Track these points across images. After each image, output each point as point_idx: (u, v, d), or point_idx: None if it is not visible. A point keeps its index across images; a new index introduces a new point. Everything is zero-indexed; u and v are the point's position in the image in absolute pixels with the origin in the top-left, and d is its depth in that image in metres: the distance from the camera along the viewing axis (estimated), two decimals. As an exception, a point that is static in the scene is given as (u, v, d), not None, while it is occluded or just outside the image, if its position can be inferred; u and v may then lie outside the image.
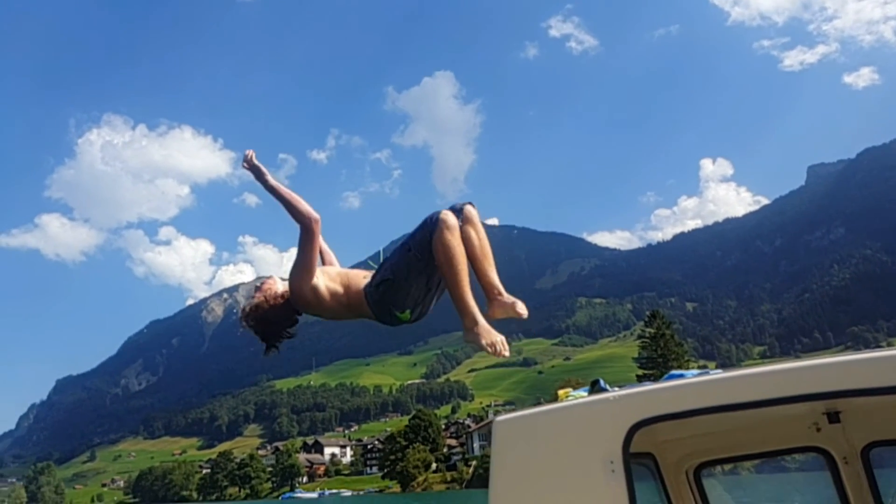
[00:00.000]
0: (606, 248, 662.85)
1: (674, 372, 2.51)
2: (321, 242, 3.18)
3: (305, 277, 2.90)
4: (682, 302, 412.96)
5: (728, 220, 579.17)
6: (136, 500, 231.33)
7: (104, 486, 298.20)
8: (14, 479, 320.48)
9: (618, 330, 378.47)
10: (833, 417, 2.77)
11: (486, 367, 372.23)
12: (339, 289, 3.00)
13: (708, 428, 3.08)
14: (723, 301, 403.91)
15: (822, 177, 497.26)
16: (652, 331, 78.18)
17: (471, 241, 2.92)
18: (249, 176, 3.11)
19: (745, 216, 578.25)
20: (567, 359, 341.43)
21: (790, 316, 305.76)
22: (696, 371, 2.45)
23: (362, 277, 3.13)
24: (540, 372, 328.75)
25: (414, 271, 2.98)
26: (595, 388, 2.53)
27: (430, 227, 2.77)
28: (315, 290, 2.93)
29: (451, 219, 2.78)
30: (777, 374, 2.23)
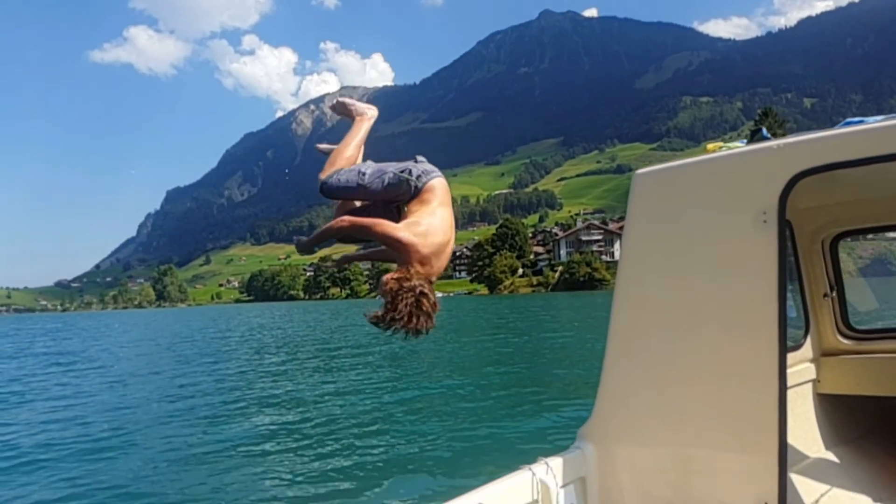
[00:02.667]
0: (719, 39, 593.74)
1: (850, 119, 2.27)
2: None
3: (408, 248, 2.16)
4: (799, 98, 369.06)
5: (866, 1, 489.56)
6: (251, 297, 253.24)
7: (221, 286, 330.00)
8: (142, 280, 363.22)
9: (724, 131, 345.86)
10: None
11: (577, 176, 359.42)
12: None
13: (862, 192, 2.98)
14: (846, 95, 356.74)
15: None
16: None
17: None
18: None
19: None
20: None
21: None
22: (879, 117, 2.20)
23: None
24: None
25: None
26: (756, 136, 2.40)
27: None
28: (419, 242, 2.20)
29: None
30: None
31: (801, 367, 3.29)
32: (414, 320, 2.08)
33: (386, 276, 2.15)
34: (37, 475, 7.64)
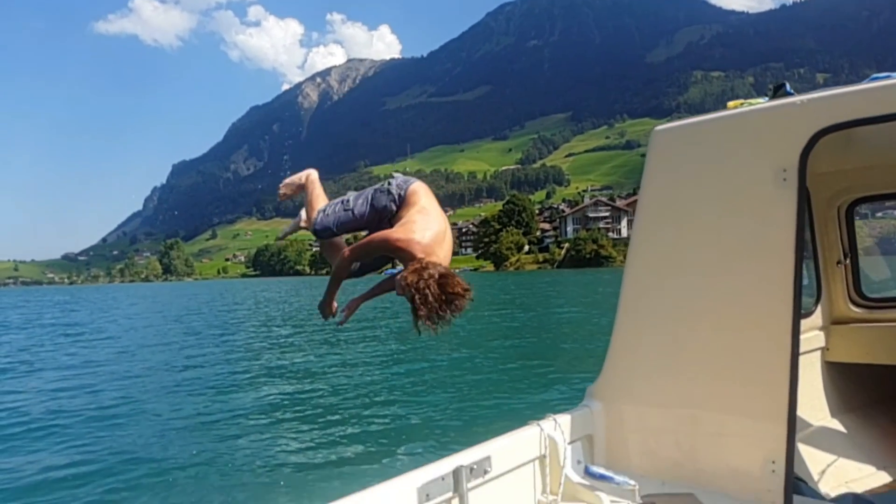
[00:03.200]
0: (732, 12, 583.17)
1: (877, 74, 2.23)
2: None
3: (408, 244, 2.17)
4: (812, 73, 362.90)
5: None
6: (257, 272, 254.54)
7: (227, 260, 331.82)
8: (148, 254, 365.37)
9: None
10: None
11: (586, 151, 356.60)
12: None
13: (880, 157, 2.92)
14: (860, 70, 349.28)
15: None
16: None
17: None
18: None
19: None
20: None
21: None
22: None
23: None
24: (643, 155, 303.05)
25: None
26: (779, 92, 2.33)
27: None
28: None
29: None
30: None
31: (811, 334, 3.26)
32: (448, 300, 2.05)
33: (400, 275, 2.12)
34: (46, 441, 7.71)
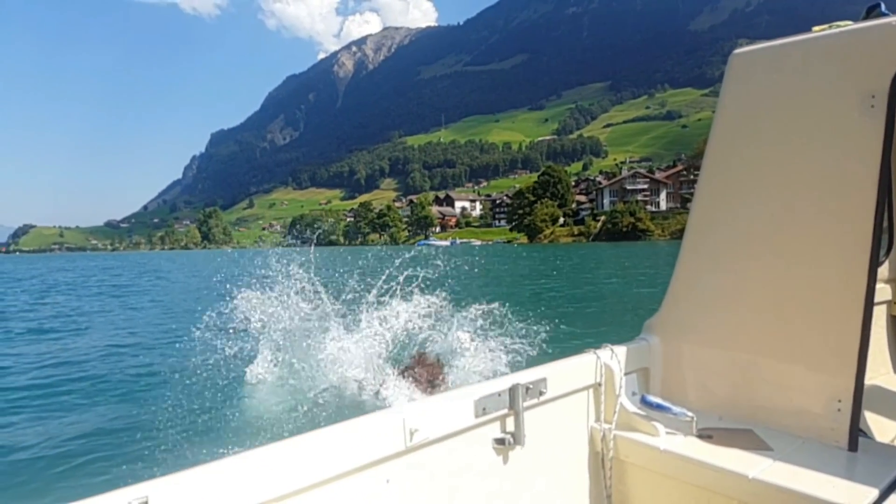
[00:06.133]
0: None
1: None
2: None
3: None
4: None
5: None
6: (293, 242, 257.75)
7: (264, 229, 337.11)
8: (188, 222, 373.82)
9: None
10: None
11: (624, 122, 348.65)
12: None
13: None
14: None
15: None
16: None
17: None
18: None
19: None
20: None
21: None
22: None
23: None
24: (684, 126, 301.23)
25: None
26: (873, 13, 2.18)
27: None
28: None
29: None
30: None
31: (879, 286, 3.07)
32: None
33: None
34: (101, 398, 7.84)
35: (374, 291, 7.89)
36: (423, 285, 8.09)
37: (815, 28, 2.28)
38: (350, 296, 8.15)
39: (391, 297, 7.92)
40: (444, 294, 8.10)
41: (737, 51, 2.39)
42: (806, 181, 2.14)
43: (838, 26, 2.16)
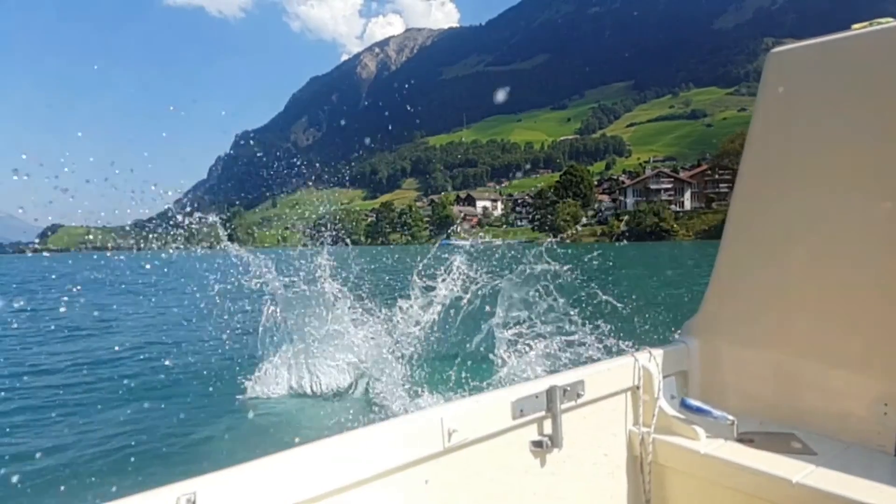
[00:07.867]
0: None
1: None
2: None
3: None
4: None
5: None
6: (312, 242, 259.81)
7: (286, 229, 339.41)
8: (212, 219, 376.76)
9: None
10: None
11: (648, 121, 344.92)
12: None
13: None
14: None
15: None
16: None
17: None
18: None
19: None
20: (742, 109, 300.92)
21: None
22: None
23: None
24: (709, 125, 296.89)
25: None
26: None
27: None
28: None
29: None
30: None
31: None
32: None
33: None
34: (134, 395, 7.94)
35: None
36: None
37: (855, 26, 2.24)
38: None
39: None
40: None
41: (775, 49, 2.37)
42: (852, 178, 2.10)
43: (880, 23, 2.12)
